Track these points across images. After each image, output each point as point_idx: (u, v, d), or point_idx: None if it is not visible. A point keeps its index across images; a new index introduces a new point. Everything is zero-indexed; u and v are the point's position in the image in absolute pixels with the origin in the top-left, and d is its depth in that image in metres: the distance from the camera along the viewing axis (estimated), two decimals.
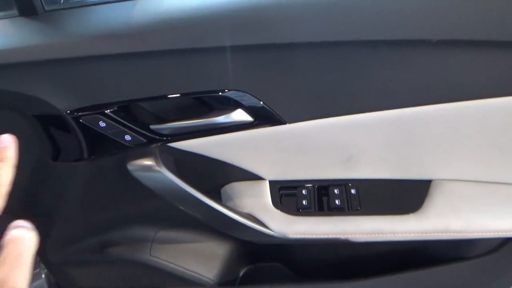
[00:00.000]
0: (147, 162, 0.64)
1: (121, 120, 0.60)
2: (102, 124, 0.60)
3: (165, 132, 0.62)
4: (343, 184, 0.74)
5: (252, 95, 0.58)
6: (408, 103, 0.59)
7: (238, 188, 0.76)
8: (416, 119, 0.61)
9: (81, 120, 0.59)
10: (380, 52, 0.54)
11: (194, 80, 0.57)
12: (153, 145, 0.64)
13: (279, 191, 0.76)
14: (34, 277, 0.93)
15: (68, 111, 0.58)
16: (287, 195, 0.75)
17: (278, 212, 0.72)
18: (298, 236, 0.70)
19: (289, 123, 0.61)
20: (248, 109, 0.60)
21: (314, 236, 0.70)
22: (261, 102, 0.58)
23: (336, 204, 0.71)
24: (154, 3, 0.54)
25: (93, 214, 0.80)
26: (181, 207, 0.69)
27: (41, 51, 0.53)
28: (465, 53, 0.54)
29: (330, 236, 0.70)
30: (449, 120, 0.61)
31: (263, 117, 0.60)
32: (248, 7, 0.50)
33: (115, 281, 0.87)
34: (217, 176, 0.77)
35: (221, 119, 0.60)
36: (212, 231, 0.88)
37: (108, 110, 0.59)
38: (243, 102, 0.59)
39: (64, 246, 0.84)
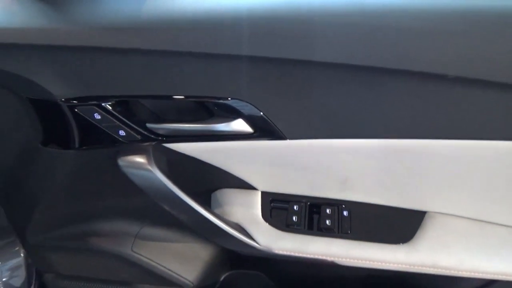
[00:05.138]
0: (139, 159, 0.62)
1: (117, 115, 0.58)
2: (97, 116, 0.58)
3: (161, 132, 0.60)
4: (336, 204, 0.72)
5: (255, 107, 0.56)
6: (412, 135, 0.57)
7: (229, 195, 0.74)
8: (418, 151, 0.59)
9: (76, 110, 0.57)
10: (392, 81, 0.52)
11: (198, 84, 0.55)
12: (147, 143, 0.62)
13: (271, 203, 0.74)
14: (13, 255, 0.91)
15: (64, 99, 0.56)
16: (278, 208, 0.74)
17: (266, 225, 0.71)
18: (284, 253, 0.69)
19: (290, 139, 0.59)
20: (249, 120, 0.58)
21: (300, 255, 0.68)
22: (263, 115, 0.57)
23: (326, 224, 0.70)
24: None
25: (78, 202, 0.78)
26: (167, 209, 0.67)
27: (44, 35, 0.51)
28: (477, 93, 0.52)
29: (317, 257, 0.68)
30: (452, 156, 0.59)
31: (264, 130, 0.58)
32: (266, 18, 0.48)
33: (92, 271, 0.85)
34: (209, 180, 0.75)
35: (221, 126, 0.58)
36: (197, 233, 0.86)
37: (105, 103, 0.57)
38: (245, 113, 0.57)
39: (45, 230, 0.82)
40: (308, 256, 0.68)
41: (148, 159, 0.62)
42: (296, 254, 0.69)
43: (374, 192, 0.70)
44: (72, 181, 0.72)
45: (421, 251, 0.66)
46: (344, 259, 0.67)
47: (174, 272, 0.86)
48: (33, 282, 0.96)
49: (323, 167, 0.65)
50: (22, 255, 0.93)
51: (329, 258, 0.68)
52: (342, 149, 0.61)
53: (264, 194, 0.74)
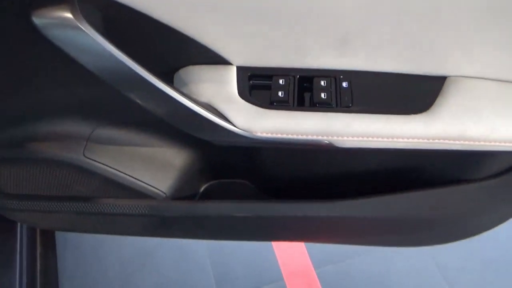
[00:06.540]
0: (59, 12, 0.44)
1: None
2: None
3: None
4: (333, 75, 0.57)
5: None
6: None
7: (195, 72, 0.58)
8: None
9: None
10: None
11: None
12: None
13: (249, 80, 0.58)
14: None
15: None
16: (259, 86, 0.58)
17: (244, 103, 0.55)
18: (268, 135, 0.54)
19: None
20: None
21: (289, 136, 0.54)
22: None
23: (321, 98, 0.54)
24: None
25: (5, 95, 0.61)
26: (109, 81, 0.51)
27: None
28: None
29: (310, 138, 0.53)
30: None
31: None
32: None
33: (40, 184, 0.70)
34: (169, 55, 0.58)
35: None
36: (167, 137, 0.71)
37: None
38: None
39: None
40: (300, 137, 0.54)
41: (73, 10, 0.45)
42: (284, 136, 0.54)
43: (381, 55, 0.54)
44: None
45: (442, 119, 0.52)
46: (345, 138, 0.53)
47: (142, 181, 0.72)
48: None
49: (313, 18, 0.48)
50: None
51: (325, 138, 0.53)
52: None
53: (241, 70, 0.58)
